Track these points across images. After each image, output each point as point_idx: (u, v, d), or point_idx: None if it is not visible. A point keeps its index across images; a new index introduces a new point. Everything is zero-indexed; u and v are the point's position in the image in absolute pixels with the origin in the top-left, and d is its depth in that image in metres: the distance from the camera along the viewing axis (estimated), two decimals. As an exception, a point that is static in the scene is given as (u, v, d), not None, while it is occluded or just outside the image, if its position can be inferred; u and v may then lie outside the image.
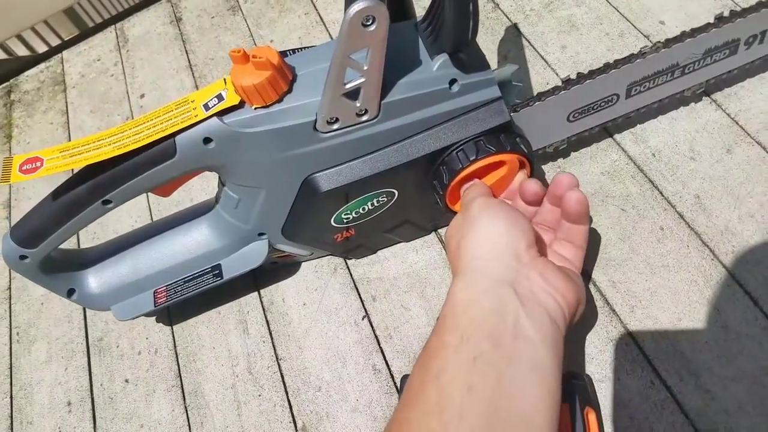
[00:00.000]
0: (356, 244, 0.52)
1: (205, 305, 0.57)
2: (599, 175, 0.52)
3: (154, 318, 0.58)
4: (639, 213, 0.49)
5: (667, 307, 0.45)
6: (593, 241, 0.49)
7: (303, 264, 0.56)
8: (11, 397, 0.58)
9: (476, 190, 0.43)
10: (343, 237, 0.50)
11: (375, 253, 0.55)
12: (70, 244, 0.49)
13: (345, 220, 0.47)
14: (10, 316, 0.64)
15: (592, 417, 0.39)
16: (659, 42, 0.45)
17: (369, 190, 0.45)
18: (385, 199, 0.47)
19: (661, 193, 0.50)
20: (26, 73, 0.87)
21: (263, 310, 0.55)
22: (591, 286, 0.47)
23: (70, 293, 0.50)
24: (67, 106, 0.81)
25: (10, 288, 0.66)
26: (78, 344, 0.59)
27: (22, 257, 0.44)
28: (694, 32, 0.45)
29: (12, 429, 0.56)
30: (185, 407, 0.52)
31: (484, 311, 0.34)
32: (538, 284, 0.36)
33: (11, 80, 0.87)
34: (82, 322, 0.60)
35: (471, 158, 0.43)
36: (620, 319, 0.46)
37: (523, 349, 0.32)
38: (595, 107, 0.48)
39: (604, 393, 0.43)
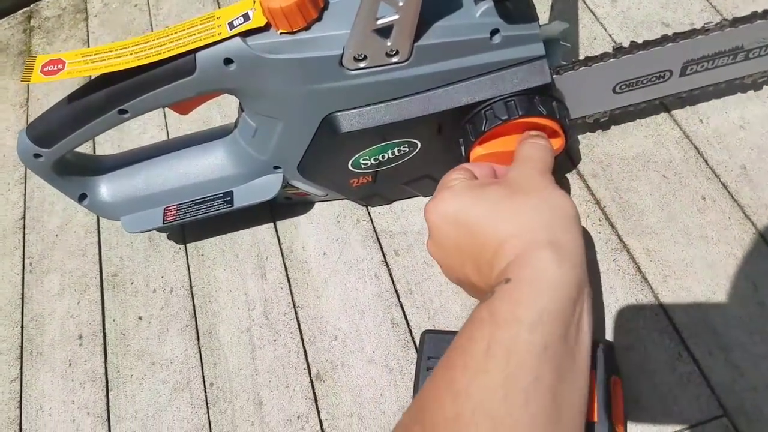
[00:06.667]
0: (373, 192, 0.51)
1: (223, 244, 0.56)
2: (642, 138, 0.49)
3: (170, 257, 0.57)
4: (681, 180, 0.47)
5: (701, 279, 0.43)
6: (630, 206, 0.47)
7: (325, 213, 0.55)
8: (22, 327, 0.58)
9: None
10: (359, 183, 0.48)
11: (391, 203, 0.53)
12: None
13: (363, 166, 0.46)
14: (24, 247, 0.63)
15: (616, 385, 0.38)
16: (725, 20, 0.42)
17: (391, 138, 0.43)
18: (407, 149, 0.45)
19: (705, 161, 0.48)
20: None
21: (282, 256, 0.54)
22: (624, 253, 0.46)
23: (81, 198, 0.50)
24: (88, 35, 0.78)
25: (24, 218, 0.65)
26: (92, 278, 0.58)
27: (37, 155, 0.44)
28: (766, 14, 0.41)
29: (22, 359, 0.56)
30: (199, 348, 0.52)
31: (566, 296, 0.31)
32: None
33: (32, 5, 0.85)
34: (97, 257, 0.59)
35: (502, 118, 0.40)
36: (651, 288, 0.44)
37: (581, 348, 0.31)
38: (645, 81, 0.44)
39: (629, 362, 0.42)
